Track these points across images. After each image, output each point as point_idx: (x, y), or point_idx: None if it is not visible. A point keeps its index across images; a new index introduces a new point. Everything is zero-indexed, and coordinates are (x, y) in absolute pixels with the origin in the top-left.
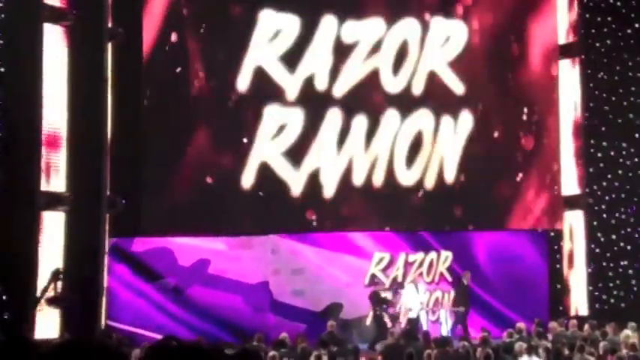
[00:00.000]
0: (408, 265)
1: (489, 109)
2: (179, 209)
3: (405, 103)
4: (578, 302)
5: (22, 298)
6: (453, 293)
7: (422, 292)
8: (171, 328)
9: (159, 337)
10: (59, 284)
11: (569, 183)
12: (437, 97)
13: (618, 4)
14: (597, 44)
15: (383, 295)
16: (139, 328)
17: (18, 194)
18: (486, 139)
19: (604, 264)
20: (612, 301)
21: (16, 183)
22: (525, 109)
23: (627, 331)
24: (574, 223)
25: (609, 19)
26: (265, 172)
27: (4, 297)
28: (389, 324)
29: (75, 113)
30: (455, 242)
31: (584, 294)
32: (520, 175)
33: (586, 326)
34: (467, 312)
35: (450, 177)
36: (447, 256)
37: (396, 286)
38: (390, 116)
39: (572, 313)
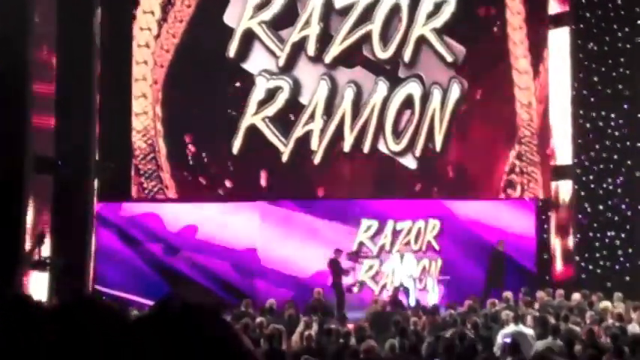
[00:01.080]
0: (395, 232)
1: (479, 77)
2: (167, 175)
3: (395, 69)
4: (565, 272)
5: (8, 262)
6: (440, 262)
7: (409, 262)
8: (159, 293)
9: (147, 301)
10: (44, 248)
11: (558, 153)
12: (426, 64)
13: None
14: (587, 14)
15: (342, 264)
16: (126, 293)
17: (6, 158)
18: (476, 107)
19: (591, 234)
20: (599, 271)
21: (3, 147)
22: (515, 79)
23: (607, 303)
24: (562, 193)
25: None
26: (254, 137)
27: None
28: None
29: (64, 77)
30: (443, 211)
31: (572, 264)
32: (509, 144)
33: (576, 295)
34: (501, 288)
35: (438, 145)
36: (434, 224)
37: (356, 258)
38: (380, 82)
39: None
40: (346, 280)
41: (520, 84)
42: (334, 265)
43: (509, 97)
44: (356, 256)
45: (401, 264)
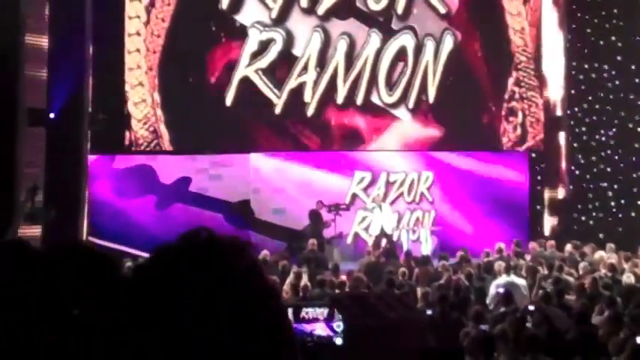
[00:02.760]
0: (389, 184)
1: (473, 28)
2: (161, 127)
3: (388, 21)
4: (558, 223)
5: (2, 214)
6: (433, 213)
7: (387, 212)
8: (152, 245)
9: (140, 253)
10: (36, 200)
11: (551, 104)
12: (420, 16)
13: None
14: None
15: (323, 215)
16: (120, 245)
17: None
18: (469, 59)
19: (584, 185)
20: (591, 222)
21: None
22: (509, 30)
23: (602, 252)
24: (555, 144)
25: None
26: (247, 89)
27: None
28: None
29: (56, 31)
30: (436, 162)
31: (564, 215)
32: (502, 95)
33: (568, 246)
34: None
35: (431, 97)
36: (427, 176)
37: (337, 209)
38: (373, 34)
39: (551, 233)
40: (327, 232)
41: (511, 10)
42: (315, 216)
43: (502, 48)
44: (336, 208)
45: (380, 214)
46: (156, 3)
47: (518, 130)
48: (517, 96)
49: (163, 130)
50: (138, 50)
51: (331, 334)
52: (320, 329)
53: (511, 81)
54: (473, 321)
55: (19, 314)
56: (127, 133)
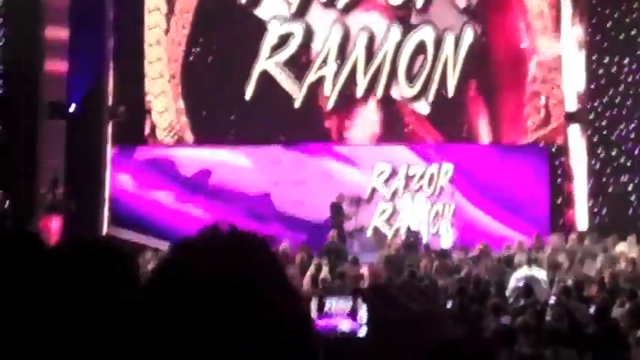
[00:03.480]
0: (408, 177)
1: (492, 23)
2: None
3: (408, 15)
4: (578, 217)
5: (23, 205)
6: (453, 206)
7: (420, 203)
8: (172, 236)
9: (161, 244)
10: (58, 191)
11: (571, 98)
12: (439, 10)
13: None
14: None
15: (344, 207)
16: (141, 235)
17: (20, 103)
18: (489, 53)
19: (604, 179)
20: (612, 215)
21: (18, 93)
22: (528, 24)
23: (622, 246)
24: (575, 139)
25: None
26: (268, 82)
27: (5, 204)
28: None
29: (76, 22)
30: (456, 155)
31: (584, 209)
32: (522, 89)
33: (586, 240)
34: None
35: (451, 90)
36: (447, 169)
37: (359, 202)
38: (393, 28)
39: (571, 227)
40: (347, 225)
41: (532, 28)
42: (336, 208)
43: (521, 41)
44: (357, 201)
45: (412, 204)
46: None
47: (542, 113)
48: (539, 79)
49: (184, 122)
50: (158, 42)
51: (355, 327)
52: (344, 324)
53: (533, 65)
54: (492, 314)
55: (19, 314)
56: (148, 125)
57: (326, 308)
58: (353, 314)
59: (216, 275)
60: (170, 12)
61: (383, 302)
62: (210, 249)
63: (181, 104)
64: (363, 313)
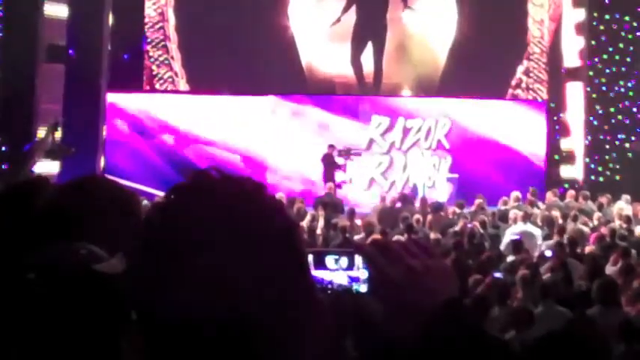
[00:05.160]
0: (406, 130)
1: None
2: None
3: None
4: (575, 173)
5: (21, 149)
6: (450, 159)
7: (426, 160)
8: (169, 184)
9: (157, 192)
10: (57, 136)
11: (571, 55)
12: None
13: None
14: None
15: (335, 159)
16: (136, 183)
17: (19, 47)
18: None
19: (601, 137)
20: (608, 173)
21: (18, 35)
22: (528, 18)
23: (621, 203)
24: (573, 95)
25: None
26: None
27: (3, 148)
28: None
29: None
30: (454, 109)
31: (581, 165)
32: (522, 45)
33: (581, 197)
34: None
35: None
36: (445, 122)
37: (348, 153)
38: None
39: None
40: (339, 176)
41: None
42: (327, 159)
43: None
44: (347, 153)
45: (421, 159)
46: None
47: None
48: (523, 85)
49: (180, 70)
50: None
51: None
52: (339, 278)
53: (521, 69)
54: (485, 268)
55: None
56: (145, 73)
57: (323, 261)
58: (349, 268)
59: (213, 215)
60: None
61: (384, 258)
62: (203, 191)
63: (178, 53)
64: (361, 268)
